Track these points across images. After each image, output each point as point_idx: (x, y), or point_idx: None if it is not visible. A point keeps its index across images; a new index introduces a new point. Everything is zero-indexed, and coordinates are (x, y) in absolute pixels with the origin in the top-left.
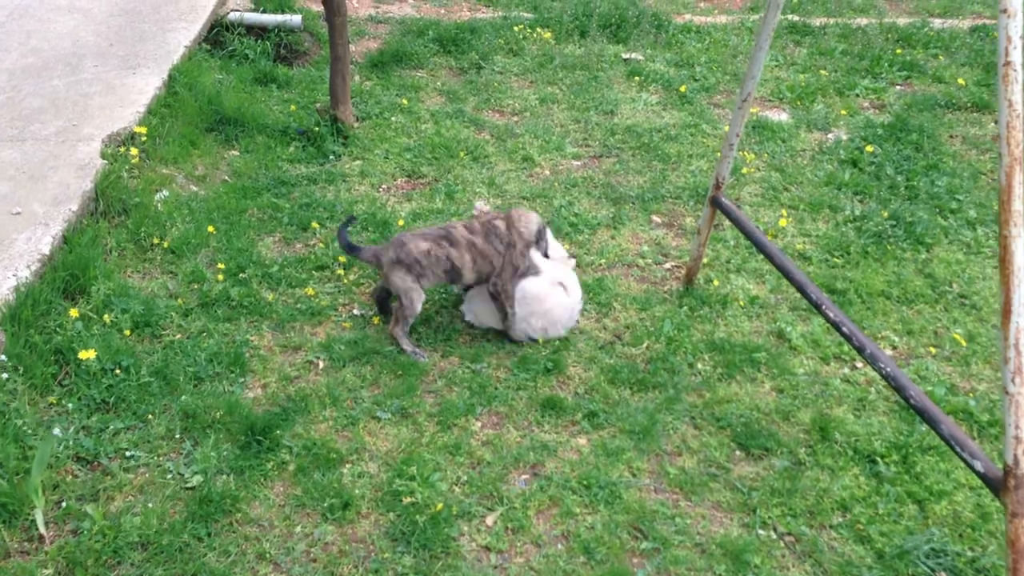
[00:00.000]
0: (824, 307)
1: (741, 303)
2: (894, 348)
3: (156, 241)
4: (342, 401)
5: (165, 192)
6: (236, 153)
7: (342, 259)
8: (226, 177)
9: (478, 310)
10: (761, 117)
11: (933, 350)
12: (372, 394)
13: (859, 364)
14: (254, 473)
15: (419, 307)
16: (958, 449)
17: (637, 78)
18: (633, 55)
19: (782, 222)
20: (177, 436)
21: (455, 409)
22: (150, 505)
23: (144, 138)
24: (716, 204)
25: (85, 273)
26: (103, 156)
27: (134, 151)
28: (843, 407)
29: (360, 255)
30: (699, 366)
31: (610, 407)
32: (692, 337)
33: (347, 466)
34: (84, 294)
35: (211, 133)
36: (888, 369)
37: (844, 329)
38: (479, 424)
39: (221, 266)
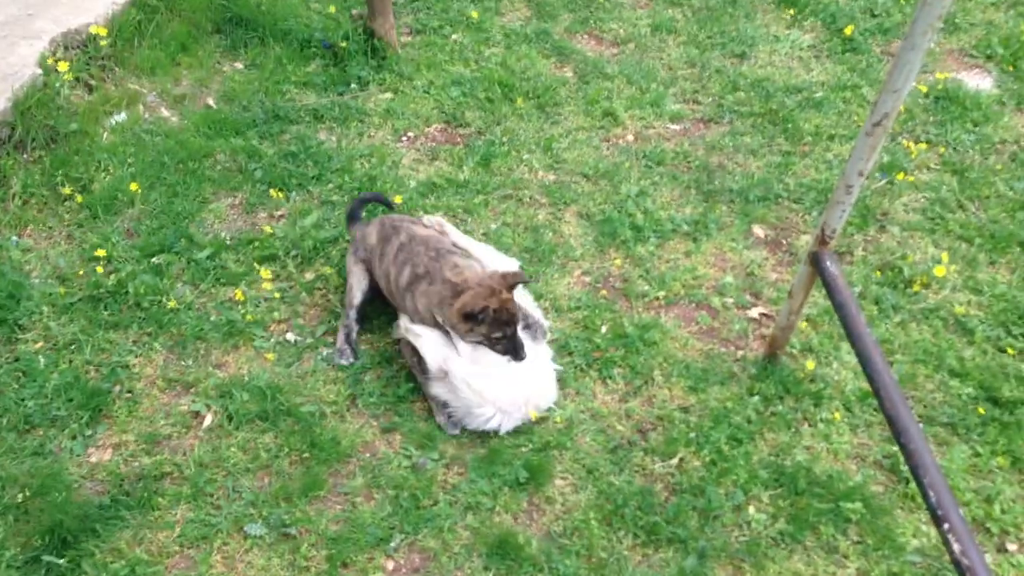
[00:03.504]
0: (914, 458)
1: (843, 404)
2: None
3: (68, 192)
4: (207, 494)
5: (123, 115)
6: (240, 66)
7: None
8: (211, 101)
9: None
10: (952, 82)
11: None
12: (256, 486)
13: (1011, 546)
14: None
15: (358, 296)
16: None
17: (791, 10)
18: None
19: (938, 270)
20: None
21: (362, 534)
22: None
23: (103, 41)
24: (816, 264)
25: None
26: (41, 64)
27: (64, 65)
28: None
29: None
30: (750, 511)
31: (592, 571)
32: (753, 455)
33: None
34: None
35: (214, 36)
36: None
37: (944, 519)
38: (390, 567)
39: (101, 252)
